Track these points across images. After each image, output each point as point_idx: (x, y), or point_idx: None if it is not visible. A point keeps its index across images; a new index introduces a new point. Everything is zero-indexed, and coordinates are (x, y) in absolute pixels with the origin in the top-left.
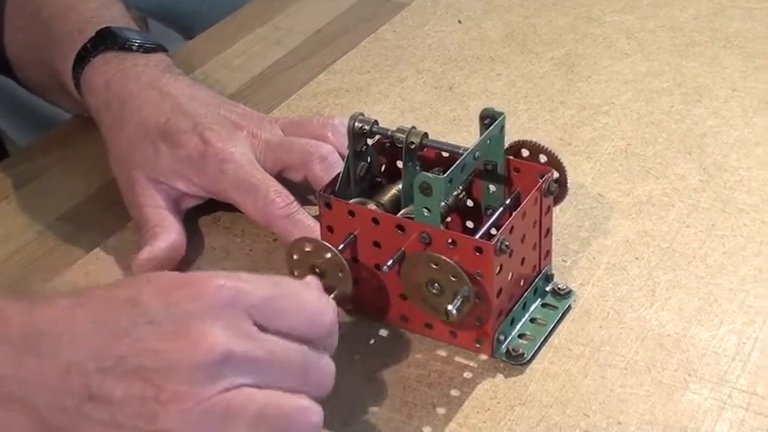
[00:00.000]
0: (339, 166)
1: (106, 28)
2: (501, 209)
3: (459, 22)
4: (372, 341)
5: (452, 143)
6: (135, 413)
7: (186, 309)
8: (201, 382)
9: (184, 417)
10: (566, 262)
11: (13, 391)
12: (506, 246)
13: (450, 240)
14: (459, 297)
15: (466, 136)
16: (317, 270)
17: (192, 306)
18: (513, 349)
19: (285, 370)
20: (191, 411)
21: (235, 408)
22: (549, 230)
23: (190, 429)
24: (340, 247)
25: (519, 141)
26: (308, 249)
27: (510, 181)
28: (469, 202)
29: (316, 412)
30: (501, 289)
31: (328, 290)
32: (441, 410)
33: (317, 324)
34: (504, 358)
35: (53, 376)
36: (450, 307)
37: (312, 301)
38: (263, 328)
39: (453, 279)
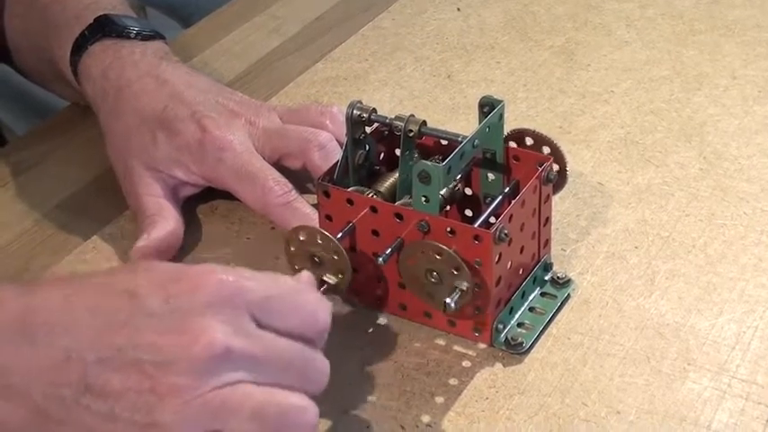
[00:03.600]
0: (337, 154)
1: (104, 15)
2: (500, 197)
3: (458, 9)
4: (371, 330)
5: (451, 131)
6: (132, 405)
7: (185, 303)
8: (199, 377)
9: (181, 410)
10: (565, 251)
11: (9, 381)
12: (505, 234)
13: (448, 229)
14: (457, 290)
15: (465, 124)
16: (315, 258)
17: (192, 300)
18: (511, 338)
19: (282, 367)
20: (187, 405)
21: (232, 403)
22: (548, 219)
23: (186, 423)
24: (338, 236)
25: (518, 129)
26: (305, 238)
27: (509, 169)
28: (468, 191)
29: (312, 410)
30: (500, 278)
31: (328, 276)
32: (439, 399)
33: (313, 325)
34: (503, 347)
35: (50, 365)
36: (448, 300)
37: (310, 302)
38: (260, 326)
39: (453, 270)
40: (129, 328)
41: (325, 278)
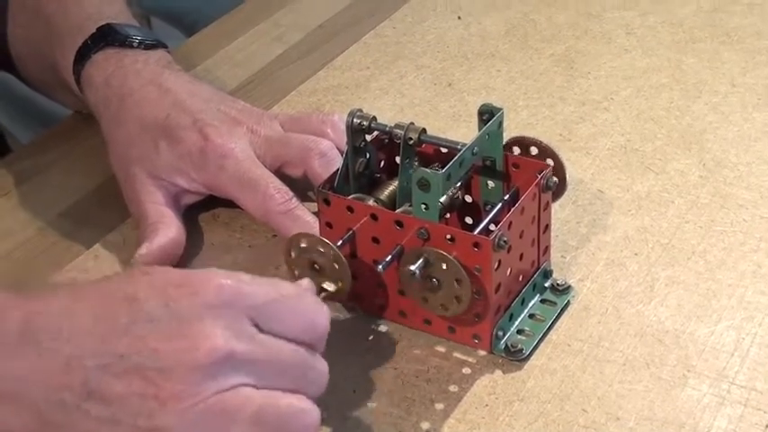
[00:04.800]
0: (338, 162)
1: (107, 24)
2: (500, 204)
3: (459, 18)
4: (371, 337)
5: (451, 139)
6: (134, 411)
7: (186, 307)
8: (200, 382)
9: (183, 415)
10: (565, 258)
11: (12, 387)
12: (505, 241)
13: (448, 236)
14: (421, 260)
15: (465, 132)
16: (315, 266)
17: (192, 304)
18: (511, 345)
19: (283, 371)
20: (189, 410)
21: (233, 408)
22: (547, 226)
23: (188, 428)
24: (339, 243)
25: (518, 137)
26: (306, 245)
27: (509, 177)
28: (468, 198)
29: (313, 413)
30: (499, 284)
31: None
32: (439, 406)
33: (312, 329)
34: (503, 354)
35: (52, 372)
36: (412, 267)
37: (309, 307)
38: (260, 330)
39: (453, 277)
40: (131, 334)
41: (324, 285)
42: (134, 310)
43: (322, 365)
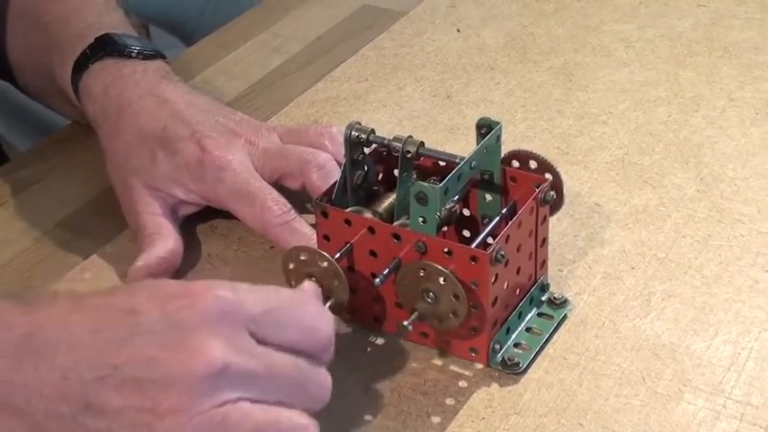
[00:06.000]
0: (337, 175)
1: (106, 34)
2: (497, 218)
3: (458, 30)
4: (368, 350)
5: (449, 152)
6: (131, 424)
7: (184, 319)
8: (199, 395)
9: (180, 429)
10: (562, 271)
11: (10, 398)
12: (502, 255)
13: (445, 249)
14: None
15: (464, 145)
16: (312, 279)
17: (190, 317)
18: (508, 358)
19: (282, 384)
20: (186, 424)
21: (231, 423)
22: (545, 240)
23: None
24: (336, 256)
25: (515, 151)
26: (304, 258)
27: (506, 190)
28: (466, 212)
29: (312, 429)
30: (496, 298)
31: (326, 296)
32: (436, 419)
33: (314, 338)
34: (500, 367)
35: (50, 383)
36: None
37: (310, 315)
38: (260, 341)
39: (451, 291)
40: (129, 347)
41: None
42: (132, 322)
43: (324, 378)
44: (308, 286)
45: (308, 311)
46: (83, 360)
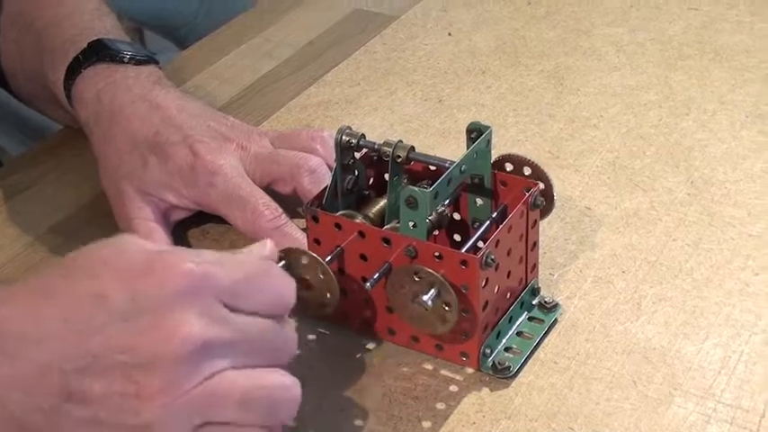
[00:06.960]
0: (328, 179)
1: (98, 40)
2: (488, 222)
3: (450, 34)
4: (359, 354)
5: (440, 156)
6: (116, 409)
7: (154, 298)
8: (182, 374)
9: (168, 409)
10: (552, 275)
11: None
12: (492, 259)
13: (436, 254)
14: (434, 289)
15: (455, 149)
16: (303, 281)
17: (160, 295)
18: (499, 363)
19: (259, 347)
20: (174, 403)
21: (218, 394)
22: (535, 244)
23: (175, 421)
24: (327, 260)
25: (505, 155)
26: (294, 261)
27: (497, 194)
28: (457, 216)
29: (296, 386)
30: (487, 302)
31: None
32: (426, 424)
33: (281, 302)
34: (491, 372)
35: (26, 377)
36: (425, 298)
37: (276, 282)
38: (232, 310)
39: (441, 295)
40: (103, 334)
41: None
42: (103, 308)
43: (291, 331)
44: (269, 246)
45: (274, 279)
46: (59, 352)
